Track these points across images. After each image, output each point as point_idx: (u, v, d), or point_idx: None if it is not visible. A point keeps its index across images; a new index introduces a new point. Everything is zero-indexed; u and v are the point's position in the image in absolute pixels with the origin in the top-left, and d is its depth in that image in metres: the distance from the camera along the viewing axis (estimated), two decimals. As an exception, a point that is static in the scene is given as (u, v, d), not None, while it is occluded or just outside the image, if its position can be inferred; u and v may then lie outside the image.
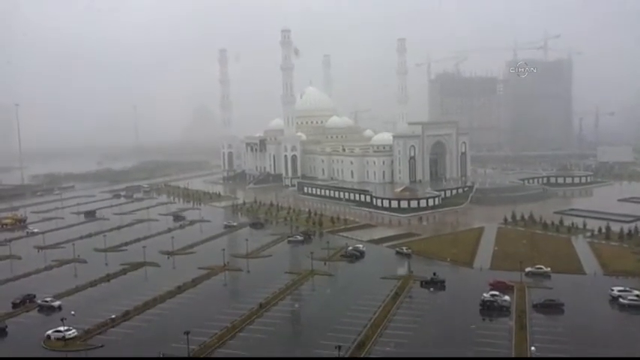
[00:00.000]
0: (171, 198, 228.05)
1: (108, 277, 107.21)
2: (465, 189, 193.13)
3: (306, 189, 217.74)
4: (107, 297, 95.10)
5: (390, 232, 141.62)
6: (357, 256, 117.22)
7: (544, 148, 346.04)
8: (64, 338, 74.93)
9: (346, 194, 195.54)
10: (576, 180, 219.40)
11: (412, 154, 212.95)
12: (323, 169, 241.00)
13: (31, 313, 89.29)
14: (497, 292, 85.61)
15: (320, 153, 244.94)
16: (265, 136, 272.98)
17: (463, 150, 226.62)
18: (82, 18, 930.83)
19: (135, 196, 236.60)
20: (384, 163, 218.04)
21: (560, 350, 67.52)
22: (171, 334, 73.98)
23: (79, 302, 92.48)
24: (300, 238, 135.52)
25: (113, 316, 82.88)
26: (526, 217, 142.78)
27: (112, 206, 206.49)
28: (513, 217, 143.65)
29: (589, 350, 67.69)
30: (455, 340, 72.63)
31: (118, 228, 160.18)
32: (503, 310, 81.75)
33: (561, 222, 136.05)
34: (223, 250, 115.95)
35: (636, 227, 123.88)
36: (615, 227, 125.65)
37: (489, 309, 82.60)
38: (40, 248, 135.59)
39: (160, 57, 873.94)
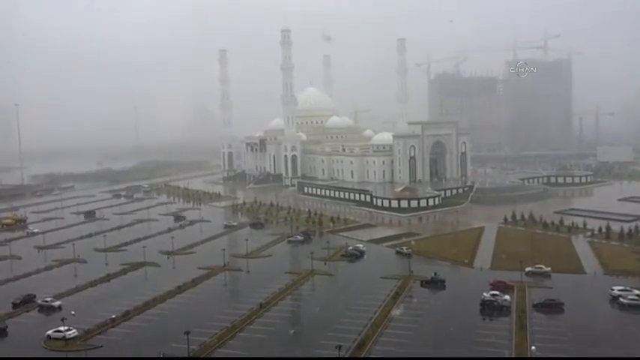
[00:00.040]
0: (172, 198, 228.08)
1: (108, 277, 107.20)
2: (465, 189, 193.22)
3: (306, 189, 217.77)
4: (107, 297, 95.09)
5: (390, 232, 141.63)
6: (357, 255, 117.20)
7: (544, 147, 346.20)
8: (64, 338, 74.93)
9: (346, 194, 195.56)
10: (576, 180, 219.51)
11: (412, 154, 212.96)
12: (323, 169, 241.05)
13: (32, 313, 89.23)
14: (497, 292, 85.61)
15: (320, 153, 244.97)
16: (265, 136, 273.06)
17: (463, 150, 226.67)
18: (82, 18, 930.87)
19: (135, 196, 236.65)
20: (384, 162, 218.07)
21: (561, 350, 67.50)
22: (172, 334, 73.92)
23: (79, 302, 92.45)
24: (300, 238, 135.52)
25: (113, 316, 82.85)
26: (526, 216, 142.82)
27: (112, 206, 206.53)
28: (513, 216, 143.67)
29: (589, 350, 67.67)
30: (455, 339, 72.62)
31: (118, 228, 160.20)
32: (503, 310, 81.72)
33: (561, 222, 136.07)
34: (223, 250, 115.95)
35: (636, 227, 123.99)
36: (615, 227, 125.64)
37: (489, 308, 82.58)
38: (40, 248, 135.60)
39: (160, 57, 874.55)
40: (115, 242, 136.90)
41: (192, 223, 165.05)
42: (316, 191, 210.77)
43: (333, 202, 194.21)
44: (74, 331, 76.45)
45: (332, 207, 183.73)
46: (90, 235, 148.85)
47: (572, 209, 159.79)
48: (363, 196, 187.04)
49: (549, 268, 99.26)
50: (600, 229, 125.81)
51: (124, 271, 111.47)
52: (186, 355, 67.62)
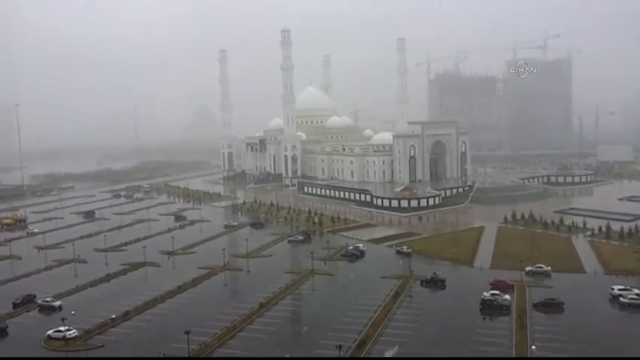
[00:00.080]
0: (172, 198, 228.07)
1: (108, 277, 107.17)
2: (465, 188, 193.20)
3: (306, 189, 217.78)
4: (107, 297, 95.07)
5: (391, 232, 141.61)
6: (357, 255, 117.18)
7: (544, 147, 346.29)
8: (64, 338, 74.94)
9: (346, 194, 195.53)
10: (576, 179, 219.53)
11: (412, 154, 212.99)
12: (323, 169, 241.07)
13: (32, 313, 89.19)
14: (497, 291, 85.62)
15: (320, 153, 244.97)
16: (265, 135, 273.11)
17: (463, 149, 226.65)
18: (81, 18, 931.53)
19: (135, 196, 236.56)
20: (384, 162, 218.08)
21: (561, 349, 67.47)
22: (172, 333, 73.91)
23: (79, 302, 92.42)
24: (300, 237, 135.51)
25: (113, 316, 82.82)
26: (526, 216, 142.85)
27: (112, 206, 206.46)
28: (513, 216, 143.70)
29: (589, 349, 67.65)
30: (455, 339, 72.61)
31: (118, 228, 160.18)
32: (503, 309, 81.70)
33: (561, 221, 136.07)
34: (223, 249, 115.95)
35: (636, 226, 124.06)
36: (615, 226, 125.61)
37: (490, 308, 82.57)
38: (40, 248, 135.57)
39: (160, 57, 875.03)
40: (115, 242, 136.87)
41: (192, 223, 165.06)
42: (316, 191, 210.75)
43: (333, 201, 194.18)
44: (74, 331, 76.43)
45: (332, 207, 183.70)
46: (90, 235, 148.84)
47: (573, 209, 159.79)
48: (363, 195, 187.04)
49: (549, 268, 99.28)
50: (600, 229, 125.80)
51: (124, 271, 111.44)
52: (186, 355, 67.57)
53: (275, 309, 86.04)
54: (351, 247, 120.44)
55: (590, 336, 72.05)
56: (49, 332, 76.84)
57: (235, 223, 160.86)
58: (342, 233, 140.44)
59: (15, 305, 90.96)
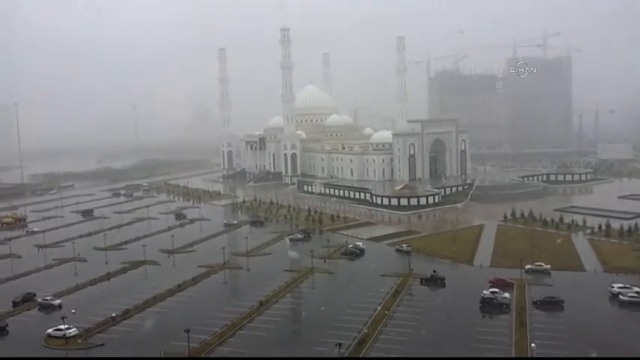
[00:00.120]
0: (171, 196, 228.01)
1: (108, 276, 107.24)
2: (465, 186, 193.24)
3: (306, 187, 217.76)
4: (107, 295, 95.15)
5: (390, 230, 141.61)
6: (357, 253, 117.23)
7: (544, 145, 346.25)
8: (64, 337, 74.98)
9: (346, 192, 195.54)
10: (576, 177, 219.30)
11: (412, 152, 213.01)
12: (323, 167, 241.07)
13: (32, 311, 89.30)
14: (497, 290, 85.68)
15: (320, 151, 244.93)
16: (265, 134, 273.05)
17: (463, 148, 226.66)
18: (82, 18, 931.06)
19: (135, 194, 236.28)
20: (383, 161, 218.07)
21: (561, 347, 67.47)
22: (172, 332, 73.92)
23: (79, 301, 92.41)
24: (300, 236, 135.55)
25: (114, 315, 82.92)
26: (526, 214, 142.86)
27: (111, 205, 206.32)
28: (513, 214, 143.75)
29: (589, 347, 67.64)
30: (455, 337, 72.67)
31: (118, 227, 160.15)
32: (503, 308, 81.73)
33: (561, 219, 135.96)
34: (223, 248, 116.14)
35: (636, 224, 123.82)
36: (615, 224, 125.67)
37: (489, 306, 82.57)
38: (40, 247, 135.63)
39: (160, 56, 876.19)
40: (114, 241, 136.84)
41: (192, 221, 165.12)
42: (316, 189, 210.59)
43: (333, 200, 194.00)
44: (74, 329, 76.51)
45: (332, 205, 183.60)
46: (90, 234, 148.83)
47: (572, 207, 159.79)
48: (362, 194, 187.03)
49: (549, 266, 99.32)
50: (600, 227, 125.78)
51: (124, 270, 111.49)
52: (186, 353, 67.58)
53: (275, 307, 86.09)
54: (350, 246, 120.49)
55: (589, 334, 72.10)
56: (49, 331, 76.90)
57: (235, 222, 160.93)
58: (341, 231, 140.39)
59: (15, 304, 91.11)
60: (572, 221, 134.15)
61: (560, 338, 69.94)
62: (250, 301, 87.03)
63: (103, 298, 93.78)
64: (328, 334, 72.54)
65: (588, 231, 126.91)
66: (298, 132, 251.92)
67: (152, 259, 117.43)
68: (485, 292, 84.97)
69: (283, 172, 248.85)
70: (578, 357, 65.64)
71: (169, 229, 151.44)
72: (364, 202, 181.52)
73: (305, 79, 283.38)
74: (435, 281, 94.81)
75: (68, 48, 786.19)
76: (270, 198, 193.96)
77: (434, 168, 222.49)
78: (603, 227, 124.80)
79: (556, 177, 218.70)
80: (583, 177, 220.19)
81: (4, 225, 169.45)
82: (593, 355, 65.92)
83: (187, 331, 66.83)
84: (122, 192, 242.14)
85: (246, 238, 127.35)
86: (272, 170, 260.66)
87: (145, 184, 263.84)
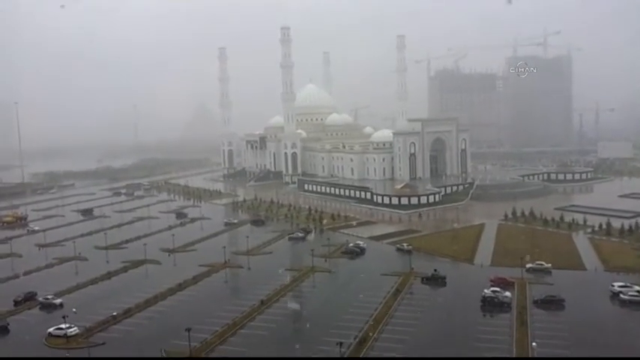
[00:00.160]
0: (172, 196, 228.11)
1: (109, 275, 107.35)
2: (466, 185, 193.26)
3: (306, 186, 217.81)
4: (108, 294, 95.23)
5: (391, 229, 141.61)
6: (357, 252, 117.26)
7: (544, 144, 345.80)
8: (65, 336, 75.05)
9: (347, 191, 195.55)
10: (576, 176, 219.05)
11: (412, 151, 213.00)
12: (323, 167, 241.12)
13: (33, 310, 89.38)
14: (497, 289, 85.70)
15: (320, 150, 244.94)
16: (265, 133, 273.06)
17: (463, 147, 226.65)
18: (82, 18, 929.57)
19: (135, 193, 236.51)
20: (384, 160, 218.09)
21: (561, 346, 67.47)
22: (173, 331, 73.99)
23: (80, 300, 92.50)
24: (301, 235, 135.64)
25: (114, 314, 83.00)
26: (526, 213, 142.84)
27: (112, 204, 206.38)
28: (514, 213, 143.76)
29: (590, 346, 67.74)
30: (456, 336, 72.72)
31: (119, 226, 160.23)
32: (504, 307, 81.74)
33: (562, 218, 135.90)
34: (224, 247, 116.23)
35: (637, 223, 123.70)
36: (616, 223, 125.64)
37: (490, 305, 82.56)
38: (40, 246, 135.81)
39: (160, 56, 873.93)
40: (115, 240, 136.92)
41: (192, 220, 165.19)
42: (316, 188, 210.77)
43: (334, 199, 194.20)
44: (75, 328, 76.60)
45: (332, 204, 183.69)
46: (90, 233, 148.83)
47: (573, 206, 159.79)
48: (363, 193, 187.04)
49: (550, 265, 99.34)
50: (601, 226, 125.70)
51: (124, 269, 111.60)
52: (187, 352, 67.63)
53: (276, 306, 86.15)
54: (351, 245, 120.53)
55: (590, 333, 72.07)
56: (50, 330, 77.00)
57: (236, 221, 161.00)
58: (342, 230, 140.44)
59: (16, 303, 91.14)
60: (573, 220, 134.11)
61: (560, 337, 69.91)
62: (251, 300, 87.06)
63: (104, 297, 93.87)
64: (329, 333, 72.56)
65: (589, 230, 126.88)
66: (299, 131, 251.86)
67: (153, 258, 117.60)
68: (486, 291, 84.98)
69: (284, 172, 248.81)
70: (579, 357, 65.64)
71: (170, 228, 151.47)
72: (365, 201, 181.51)
73: (305, 78, 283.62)
74: (435, 280, 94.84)
75: (68, 47, 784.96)
76: (271, 197, 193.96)
77: (434, 167, 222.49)
78: (604, 226, 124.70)
79: (556, 176, 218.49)
80: (583, 176, 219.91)
81: (5, 224, 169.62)
82: (594, 354, 65.89)
83: (188, 330, 66.86)
84: (123, 191, 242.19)
85: (247, 237, 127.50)
86: (272, 169, 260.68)
87: (146, 183, 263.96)
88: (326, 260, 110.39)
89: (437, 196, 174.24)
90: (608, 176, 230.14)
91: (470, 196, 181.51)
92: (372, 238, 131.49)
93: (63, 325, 75.87)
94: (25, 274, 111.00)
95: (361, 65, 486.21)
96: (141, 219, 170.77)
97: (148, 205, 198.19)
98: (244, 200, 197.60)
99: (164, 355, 69.19)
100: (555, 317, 77.85)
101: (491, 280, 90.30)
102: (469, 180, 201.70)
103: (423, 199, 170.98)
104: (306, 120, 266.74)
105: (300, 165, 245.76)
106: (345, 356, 66.10)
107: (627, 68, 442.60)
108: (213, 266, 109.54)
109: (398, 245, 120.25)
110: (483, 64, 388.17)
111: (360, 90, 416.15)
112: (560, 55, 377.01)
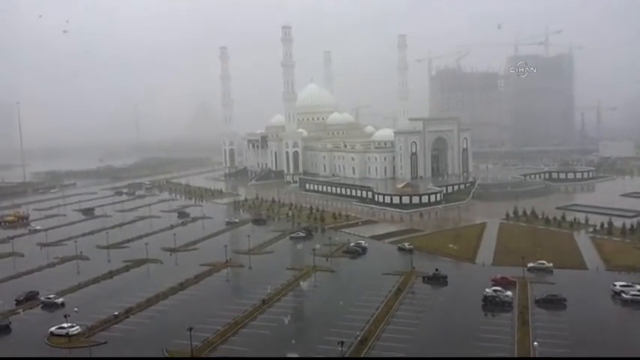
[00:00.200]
0: (173, 195, 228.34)
1: (110, 274, 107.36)
2: (467, 185, 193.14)
3: (307, 185, 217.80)
4: (110, 294, 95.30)
5: (392, 228, 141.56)
6: (359, 252, 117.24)
7: (546, 143, 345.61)
8: (67, 335, 75.14)
9: (348, 190, 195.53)
10: (578, 175, 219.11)
11: (413, 150, 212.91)
12: (324, 166, 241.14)
13: (35, 310, 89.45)
14: (499, 288, 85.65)
15: (321, 149, 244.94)
16: (267, 132, 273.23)
17: (465, 146, 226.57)
18: (81, 17, 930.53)
19: (137, 193, 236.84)
20: (385, 159, 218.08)
21: (563, 345, 67.40)
22: (174, 330, 74.04)
23: (82, 299, 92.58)
24: (302, 234, 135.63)
25: (116, 313, 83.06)
26: (528, 212, 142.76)
27: (113, 203, 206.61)
28: (515, 212, 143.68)
29: (591, 345, 67.67)
30: (457, 335, 72.68)
31: (120, 225, 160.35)
32: (505, 306, 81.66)
33: (563, 217, 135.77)
34: (225, 246, 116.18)
35: (638, 222, 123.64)
36: (617, 222, 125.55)
37: (492, 304, 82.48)
38: (42, 245, 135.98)
39: (161, 55, 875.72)
40: (117, 239, 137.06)
41: (194, 219, 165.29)
42: (318, 188, 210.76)
43: (335, 198, 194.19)
44: (77, 327, 76.69)
45: (334, 203, 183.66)
46: (92, 233, 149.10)
47: (574, 205, 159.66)
48: (364, 192, 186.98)
49: (551, 264, 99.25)
50: (602, 225, 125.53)
51: (126, 268, 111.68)
52: (189, 351, 67.65)
53: (277, 305, 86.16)
54: (352, 244, 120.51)
55: (592, 332, 72.02)
56: (52, 329, 77.05)
57: (237, 220, 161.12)
58: (343, 230, 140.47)
59: (18, 302, 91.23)
60: (575, 219, 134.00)
61: (562, 337, 69.82)
62: (252, 300, 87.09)
63: (106, 296, 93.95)
64: (331, 332, 72.56)
65: (590, 229, 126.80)
66: (300, 130, 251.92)
67: (154, 257, 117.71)
68: (487, 290, 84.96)
69: (285, 171, 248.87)
70: (579, 357, 65.58)
71: (171, 227, 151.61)
72: (366, 200, 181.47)
73: (306, 77, 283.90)
74: (437, 279, 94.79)
75: (69, 47, 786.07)
76: (272, 196, 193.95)
77: (436, 166, 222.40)
78: (605, 225, 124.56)
79: (558, 175, 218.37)
80: (585, 175, 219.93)
81: (7, 223, 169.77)
82: (596, 354, 65.81)
83: (190, 329, 66.91)
84: (124, 190, 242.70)
85: (249, 236, 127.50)
86: (274, 168, 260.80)
87: (147, 183, 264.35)
88: (327, 259, 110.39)
89: (438, 195, 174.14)
90: (610, 175, 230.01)
91: (471, 195, 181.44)
92: (373, 237, 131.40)
93: (65, 325, 75.95)
94: (27, 273, 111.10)
95: (362, 64, 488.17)
96: (142, 218, 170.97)
97: (150, 205, 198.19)
98: (245, 199, 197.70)
99: (166, 355, 69.30)
100: (557, 317, 77.78)
101: (493, 280, 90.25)
102: (470, 179, 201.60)
103: (425, 199, 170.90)
104: (308, 119, 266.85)
105: (301, 164, 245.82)
106: (346, 356, 66.12)
107: (629, 67, 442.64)
108: (215, 265, 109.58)
109: (399, 245, 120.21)
110: (485, 63, 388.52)
111: (362, 89, 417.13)
112: (561, 54, 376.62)
